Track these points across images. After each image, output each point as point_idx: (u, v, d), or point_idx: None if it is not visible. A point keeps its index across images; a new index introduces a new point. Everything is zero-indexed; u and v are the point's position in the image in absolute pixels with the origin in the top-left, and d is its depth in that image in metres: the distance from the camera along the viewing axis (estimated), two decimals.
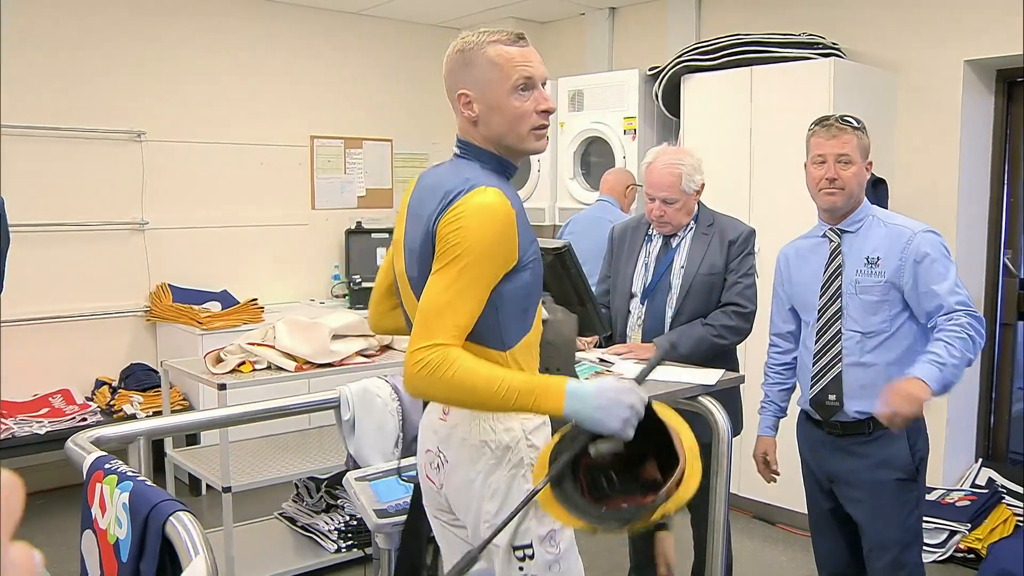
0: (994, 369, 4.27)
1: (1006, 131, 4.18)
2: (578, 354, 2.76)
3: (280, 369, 3.03)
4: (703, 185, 2.85)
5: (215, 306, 4.60)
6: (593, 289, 3.13)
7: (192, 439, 4.21)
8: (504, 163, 1.69)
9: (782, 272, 2.62)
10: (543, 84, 1.65)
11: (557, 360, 1.87)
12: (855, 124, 2.38)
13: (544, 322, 1.76)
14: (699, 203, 2.89)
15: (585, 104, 4.91)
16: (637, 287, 2.92)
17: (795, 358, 2.61)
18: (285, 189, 5.30)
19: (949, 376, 2.14)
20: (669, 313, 2.82)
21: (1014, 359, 4.29)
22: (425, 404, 1.79)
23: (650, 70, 4.61)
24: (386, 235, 5.58)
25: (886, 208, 3.05)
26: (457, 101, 1.66)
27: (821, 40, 4.03)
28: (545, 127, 1.65)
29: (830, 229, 2.47)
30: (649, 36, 5.09)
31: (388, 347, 3.43)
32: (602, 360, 2.68)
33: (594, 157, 5.00)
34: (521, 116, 1.61)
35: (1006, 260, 4.27)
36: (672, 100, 4.47)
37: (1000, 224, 4.25)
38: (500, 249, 1.53)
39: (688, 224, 2.86)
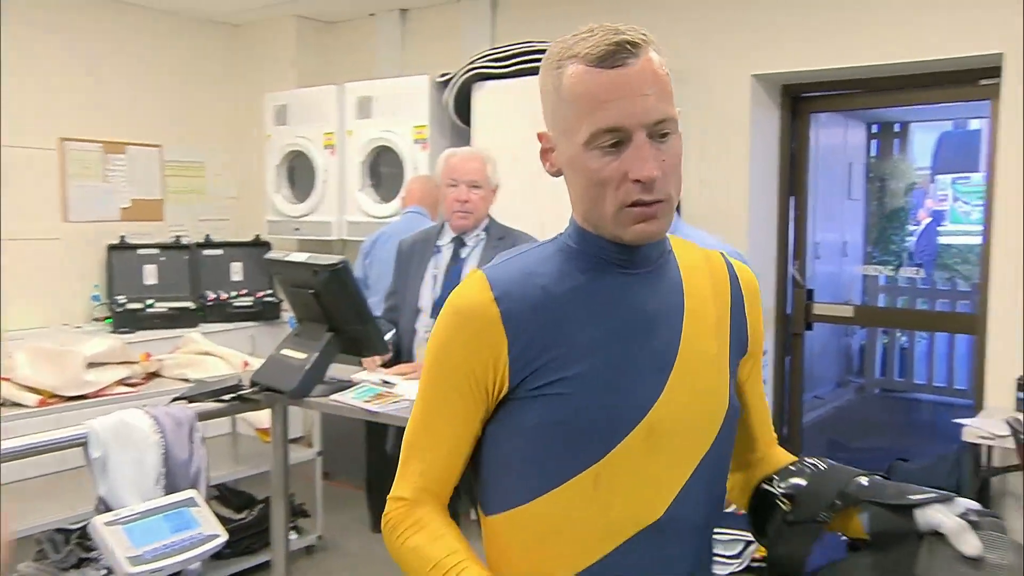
0: (785, 379, 4.66)
1: (791, 146, 4.61)
2: (360, 375, 2.76)
3: (17, 405, 2.83)
4: (498, 188, 2.99)
5: None
6: (383, 305, 3.17)
7: None
8: (595, 247, 1.18)
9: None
10: (659, 133, 1.11)
11: None
12: None
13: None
14: (490, 217, 3.00)
15: (374, 111, 4.90)
16: (425, 302, 2.95)
17: None
18: (29, 199, 4.91)
19: None
20: None
21: (803, 368, 4.71)
22: None
23: (441, 76, 4.70)
24: (156, 250, 5.32)
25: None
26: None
27: None
28: (646, 205, 1.11)
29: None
30: (442, 40, 5.17)
31: (155, 374, 3.28)
32: (385, 381, 2.69)
33: (384, 167, 4.99)
34: (602, 182, 1.12)
35: (794, 272, 4.69)
36: (464, 108, 4.57)
37: (787, 236, 4.66)
38: (462, 365, 1.15)
39: (479, 234, 2.95)
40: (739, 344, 1.27)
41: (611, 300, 1.16)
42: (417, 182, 4.28)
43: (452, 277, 2.91)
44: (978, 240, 4.31)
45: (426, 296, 2.95)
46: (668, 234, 1.20)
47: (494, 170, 2.96)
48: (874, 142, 7.69)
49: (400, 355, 2.97)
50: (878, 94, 4.38)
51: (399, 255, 3.09)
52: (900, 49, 3.81)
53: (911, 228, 7.98)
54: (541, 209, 4.17)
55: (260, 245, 5.53)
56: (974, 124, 7.33)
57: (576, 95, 1.11)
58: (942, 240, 7.98)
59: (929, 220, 7.96)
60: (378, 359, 2.81)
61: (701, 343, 1.20)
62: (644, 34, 1.12)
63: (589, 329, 1.14)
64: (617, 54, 1.09)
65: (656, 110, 1.09)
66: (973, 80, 3.85)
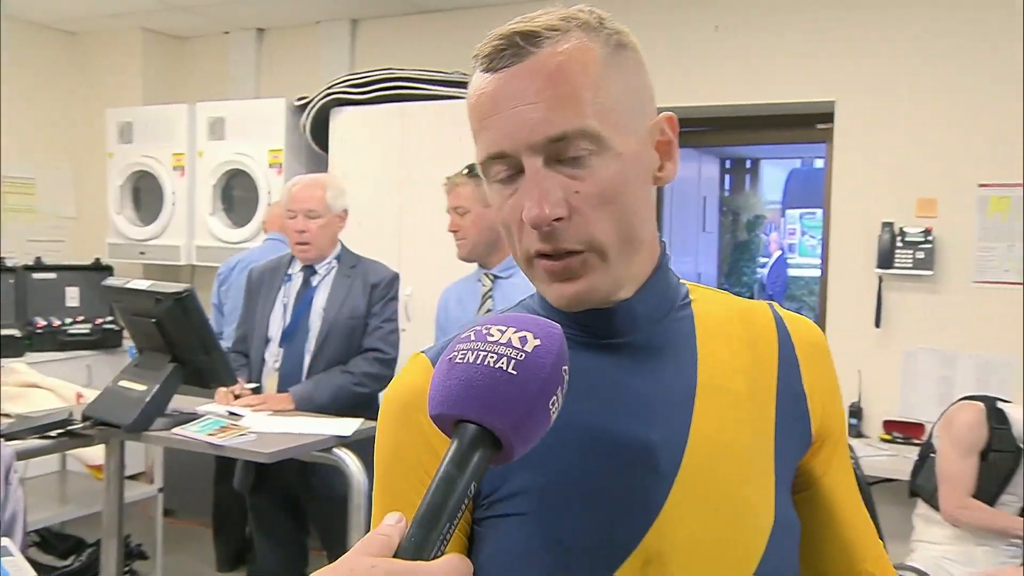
0: None
1: None
2: (204, 407, 2.72)
3: None
4: (347, 212, 3.00)
5: None
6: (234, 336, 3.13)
7: None
8: (552, 312, 0.90)
9: (443, 313, 2.84)
10: (566, 156, 0.82)
11: None
12: (473, 172, 2.66)
13: None
14: (343, 245, 3.02)
15: (227, 133, 4.83)
16: (274, 331, 2.94)
17: None
18: None
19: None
20: (307, 358, 2.88)
21: None
22: None
23: (298, 100, 4.68)
24: None
25: None
26: None
27: None
28: (550, 258, 0.84)
29: (484, 274, 2.73)
30: (300, 63, 5.16)
31: None
32: (232, 413, 2.66)
33: (237, 191, 4.92)
34: (505, 226, 0.89)
35: None
36: (321, 133, 4.57)
37: None
38: (417, 466, 0.88)
39: (330, 262, 2.97)
40: (793, 430, 0.92)
41: (585, 384, 0.85)
42: (278, 208, 4.25)
43: (303, 304, 2.92)
44: None
45: (275, 325, 2.94)
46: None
47: (337, 196, 2.96)
48: (727, 177, 8.13)
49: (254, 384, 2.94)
50: (728, 132, 4.67)
51: (249, 283, 3.07)
52: (747, 92, 4.08)
53: (763, 260, 8.46)
54: (401, 237, 4.22)
55: (101, 269, 5.31)
56: (819, 162, 7.85)
57: (469, 112, 0.86)
58: (792, 272, 8.48)
59: (779, 253, 8.46)
60: (236, 389, 2.78)
61: (724, 433, 0.87)
62: (570, 17, 0.83)
63: (556, 425, 0.76)
64: (503, 52, 0.82)
65: (546, 124, 0.80)
66: (811, 124, 4.17)
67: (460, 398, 0.67)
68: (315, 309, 2.92)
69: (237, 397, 2.78)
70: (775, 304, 0.99)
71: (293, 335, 2.91)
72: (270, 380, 2.90)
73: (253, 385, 2.88)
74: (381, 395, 2.96)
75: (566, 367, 0.70)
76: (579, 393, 0.82)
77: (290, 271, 3.00)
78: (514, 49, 0.82)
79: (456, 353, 0.69)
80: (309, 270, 2.97)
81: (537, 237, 0.83)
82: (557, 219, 0.81)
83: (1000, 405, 2.99)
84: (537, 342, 0.69)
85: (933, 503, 3.01)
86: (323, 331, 2.88)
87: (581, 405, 0.85)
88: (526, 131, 0.81)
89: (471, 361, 0.68)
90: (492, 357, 0.68)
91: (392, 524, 0.62)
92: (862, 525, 0.99)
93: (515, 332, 0.69)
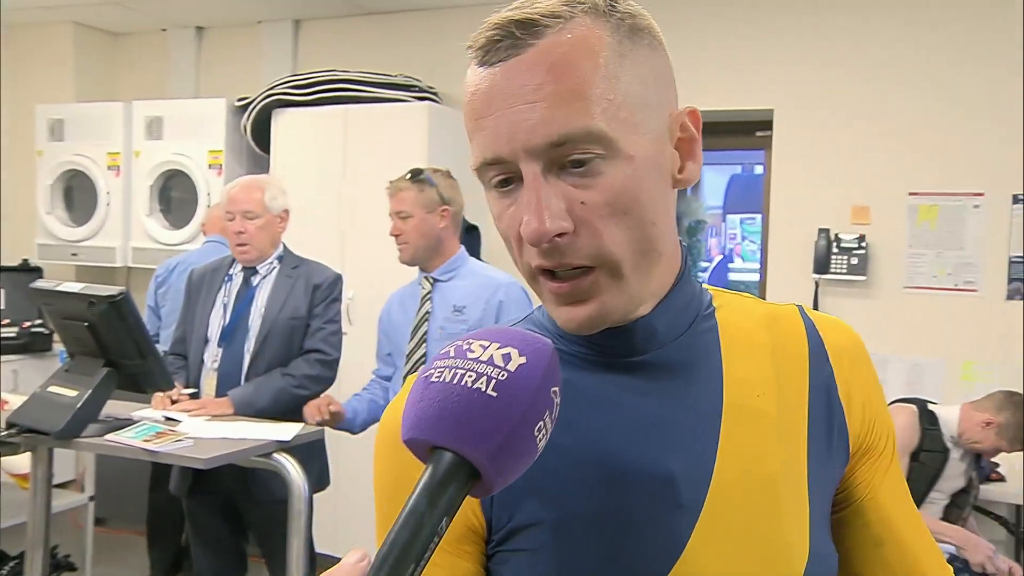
0: None
1: None
2: (140, 412, 2.67)
3: None
4: (287, 212, 2.97)
5: None
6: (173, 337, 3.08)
7: None
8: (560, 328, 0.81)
9: (385, 317, 2.85)
10: (569, 161, 0.72)
11: None
12: (416, 178, 2.70)
13: None
14: (284, 246, 2.99)
15: (165, 132, 4.74)
16: (214, 331, 2.90)
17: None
18: None
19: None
20: (247, 358, 2.84)
21: None
22: None
23: (239, 100, 4.62)
24: None
25: (478, 253, 3.41)
26: None
27: (417, 83, 4.37)
28: (555, 277, 0.75)
29: (424, 277, 2.75)
30: (241, 63, 5.09)
31: None
32: (168, 419, 2.61)
33: (175, 192, 4.83)
34: (506, 238, 0.78)
35: None
36: (262, 134, 4.52)
37: None
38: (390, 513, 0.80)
39: (271, 262, 2.94)
40: (830, 448, 0.83)
41: (598, 407, 0.79)
42: (217, 210, 4.19)
43: (243, 303, 2.88)
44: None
45: (215, 325, 2.90)
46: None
47: (276, 196, 2.92)
48: None
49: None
50: None
51: (189, 285, 3.02)
52: (687, 99, 4.09)
53: (704, 264, 8.59)
54: (343, 239, 4.20)
55: (29, 271, 5.17)
56: (759, 169, 8.00)
57: (463, 110, 0.77)
58: (733, 276, 8.62)
59: (721, 257, 8.59)
60: (174, 394, 2.73)
61: (754, 461, 0.79)
62: (575, 1, 0.73)
63: (569, 453, 0.77)
64: (498, 44, 0.72)
65: (546, 126, 0.70)
66: (751, 131, 4.25)
67: (433, 422, 0.59)
68: (255, 309, 2.88)
69: (174, 402, 2.73)
70: (805, 307, 0.89)
71: (232, 335, 2.86)
72: (208, 381, 2.85)
73: (191, 390, 2.83)
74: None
75: (556, 388, 0.63)
76: (593, 417, 0.78)
77: (231, 272, 2.96)
78: (511, 40, 0.71)
79: (433, 371, 0.62)
80: (250, 270, 2.94)
81: (538, 253, 0.73)
82: (560, 234, 0.71)
83: (931, 407, 3.10)
84: (522, 360, 0.61)
85: None
86: (263, 331, 2.84)
87: (596, 430, 0.78)
88: (523, 133, 0.71)
89: (448, 380, 0.61)
90: (470, 376, 0.60)
91: (352, 564, 0.54)
92: (924, 546, 0.87)
93: (498, 348, 0.62)
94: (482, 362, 0.61)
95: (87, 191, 4.98)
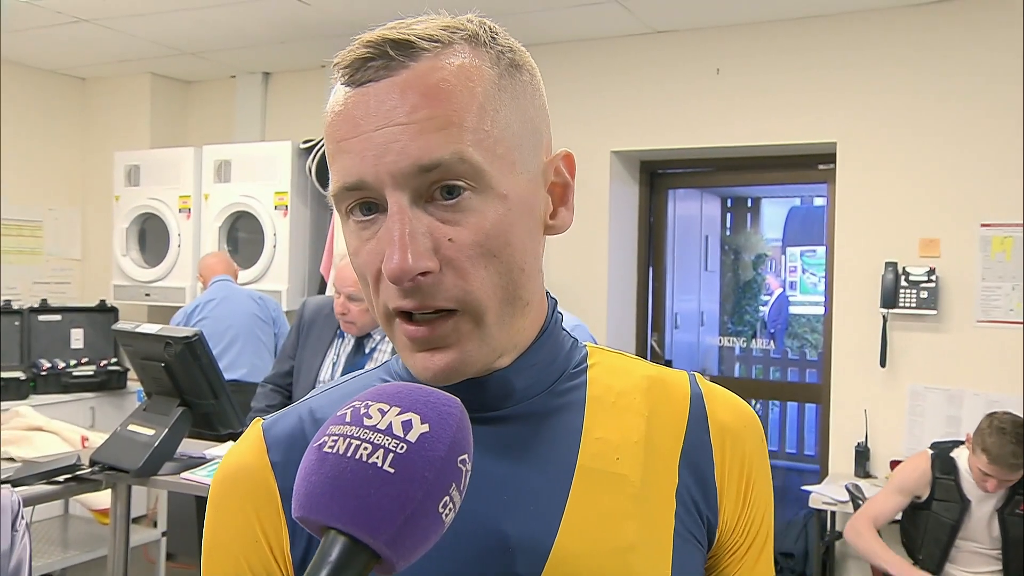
0: None
1: (649, 219, 4.86)
2: (212, 450, 2.71)
3: None
4: None
5: None
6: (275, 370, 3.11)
7: None
8: (410, 377, 0.76)
9: None
10: (440, 189, 0.67)
11: None
12: None
13: None
14: None
15: (233, 175, 4.87)
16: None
17: None
18: None
19: None
20: None
21: None
22: None
23: (304, 143, 4.72)
24: None
25: None
26: None
27: None
28: (411, 320, 0.68)
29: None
30: (306, 105, 5.21)
31: None
32: None
33: (242, 233, 4.95)
34: (362, 275, 0.71)
35: (653, 343, 4.90)
36: (327, 174, 4.58)
37: (647, 308, 4.88)
38: (232, 557, 0.76)
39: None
40: (697, 529, 0.76)
41: None
42: (213, 257, 4.42)
43: (351, 369, 2.87)
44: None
45: (322, 381, 2.90)
46: (595, 346, 0.81)
47: None
48: (728, 215, 8.17)
49: None
50: (729, 172, 4.71)
51: (302, 316, 3.03)
52: (749, 134, 4.12)
53: (764, 298, 8.47)
54: None
55: (106, 311, 5.33)
56: (819, 200, 7.90)
57: (325, 132, 0.70)
58: (793, 310, 8.49)
59: (780, 291, 8.47)
60: None
61: (604, 529, 0.72)
62: (455, 28, 0.69)
63: None
64: (371, 62, 0.66)
65: (417, 149, 0.64)
66: (813, 164, 4.20)
67: (326, 502, 0.53)
68: None
69: None
70: (699, 376, 0.82)
71: None
72: None
73: None
74: None
75: (465, 456, 0.56)
76: None
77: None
78: (384, 60, 0.66)
79: (327, 438, 0.56)
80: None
81: (398, 292, 0.66)
82: (424, 272, 0.64)
83: (952, 454, 2.95)
84: (424, 428, 0.55)
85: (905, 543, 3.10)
86: None
87: None
88: (391, 157, 0.64)
89: (341, 452, 0.54)
90: (366, 449, 0.54)
91: None
92: None
93: (398, 415, 0.55)
94: (380, 431, 0.54)
95: (160, 233, 5.12)
